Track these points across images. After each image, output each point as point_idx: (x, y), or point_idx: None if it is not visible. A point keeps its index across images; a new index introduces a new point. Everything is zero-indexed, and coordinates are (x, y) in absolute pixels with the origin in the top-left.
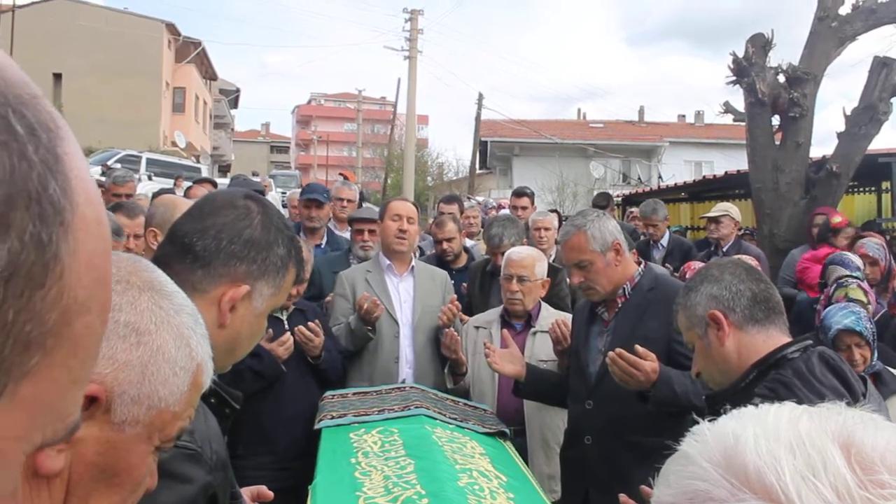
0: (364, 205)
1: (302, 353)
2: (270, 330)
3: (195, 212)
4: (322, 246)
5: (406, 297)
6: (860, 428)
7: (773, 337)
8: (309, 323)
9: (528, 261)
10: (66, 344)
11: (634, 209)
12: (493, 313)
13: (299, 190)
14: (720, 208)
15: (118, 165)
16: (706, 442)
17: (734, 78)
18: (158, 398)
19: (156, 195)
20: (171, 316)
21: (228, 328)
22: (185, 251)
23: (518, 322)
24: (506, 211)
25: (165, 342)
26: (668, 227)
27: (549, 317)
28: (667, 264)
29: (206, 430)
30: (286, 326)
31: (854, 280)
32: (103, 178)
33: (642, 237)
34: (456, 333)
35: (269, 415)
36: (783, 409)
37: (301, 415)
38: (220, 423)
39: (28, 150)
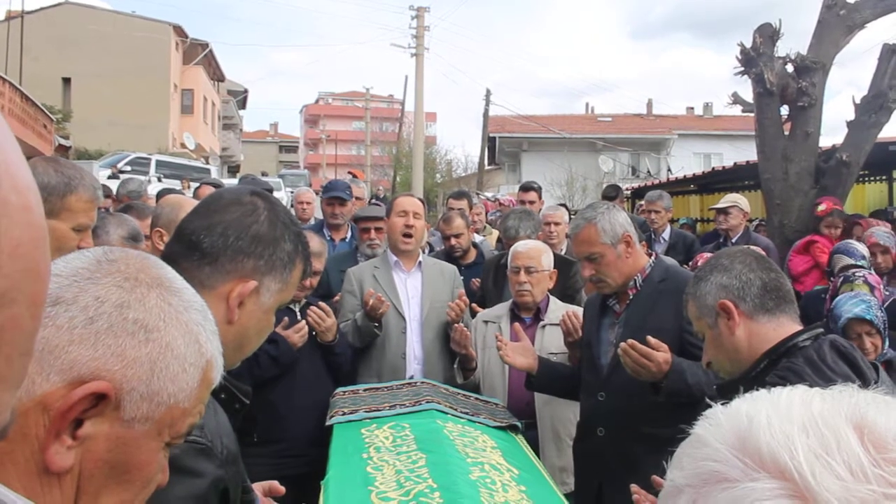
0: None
1: (315, 345)
2: (286, 318)
3: (202, 209)
4: (347, 240)
5: (414, 292)
6: (872, 408)
7: (784, 325)
8: (320, 303)
9: (535, 252)
10: None
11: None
12: (503, 307)
13: (305, 187)
14: (728, 199)
15: (128, 168)
16: (720, 424)
17: (742, 68)
18: (168, 395)
19: (161, 194)
20: (180, 312)
21: (236, 324)
22: (192, 248)
23: (527, 316)
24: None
25: (174, 339)
26: (672, 221)
27: (558, 310)
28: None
29: (217, 425)
30: (298, 318)
31: (860, 275)
32: (115, 181)
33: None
34: (466, 329)
35: (283, 403)
36: (795, 391)
37: (314, 404)
38: (229, 418)
39: None
